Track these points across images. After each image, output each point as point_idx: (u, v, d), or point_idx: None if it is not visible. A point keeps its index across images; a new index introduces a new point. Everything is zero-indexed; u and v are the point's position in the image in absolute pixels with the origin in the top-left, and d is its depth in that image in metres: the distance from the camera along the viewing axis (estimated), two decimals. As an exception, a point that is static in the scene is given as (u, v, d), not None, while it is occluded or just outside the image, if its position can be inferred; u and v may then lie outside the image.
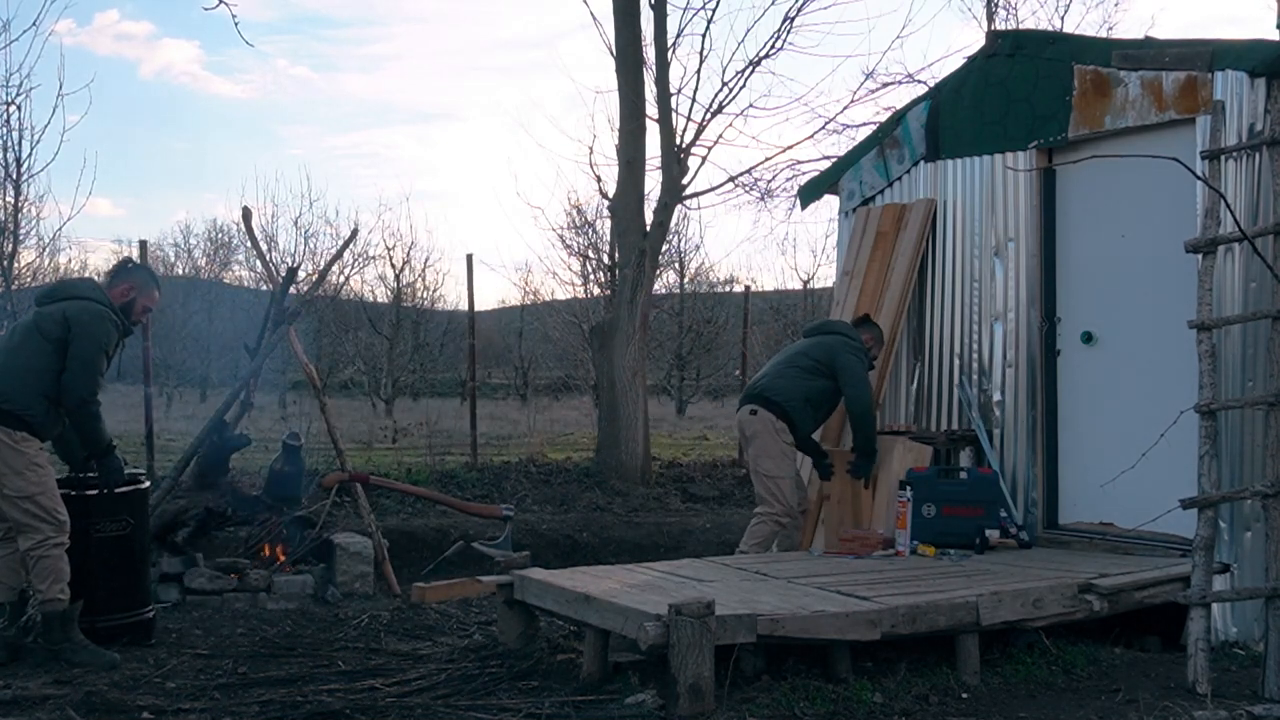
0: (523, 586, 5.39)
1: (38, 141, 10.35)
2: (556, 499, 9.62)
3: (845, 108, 11.94)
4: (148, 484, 5.91)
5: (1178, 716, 4.28)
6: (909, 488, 6.30)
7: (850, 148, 8.28)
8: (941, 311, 7.18)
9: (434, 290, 25.36)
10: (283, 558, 6.94)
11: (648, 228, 10.65)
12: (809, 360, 6.65)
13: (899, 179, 7.50)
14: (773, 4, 12.49)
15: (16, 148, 10.11)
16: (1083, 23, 14.57)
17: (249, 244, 15.17)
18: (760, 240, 39.09)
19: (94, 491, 5.51)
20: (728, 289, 23.47)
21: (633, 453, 10.45)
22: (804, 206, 8.40)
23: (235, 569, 6.69)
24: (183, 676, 5.03)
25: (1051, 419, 6.58)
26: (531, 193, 54.77)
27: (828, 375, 6.58)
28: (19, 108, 9.94)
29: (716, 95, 10.89)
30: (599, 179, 12.07)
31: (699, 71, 11.01)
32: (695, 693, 4.20)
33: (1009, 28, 12.91)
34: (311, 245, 22.19)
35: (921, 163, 7.32)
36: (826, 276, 17.91)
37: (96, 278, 5.68)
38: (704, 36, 10.87)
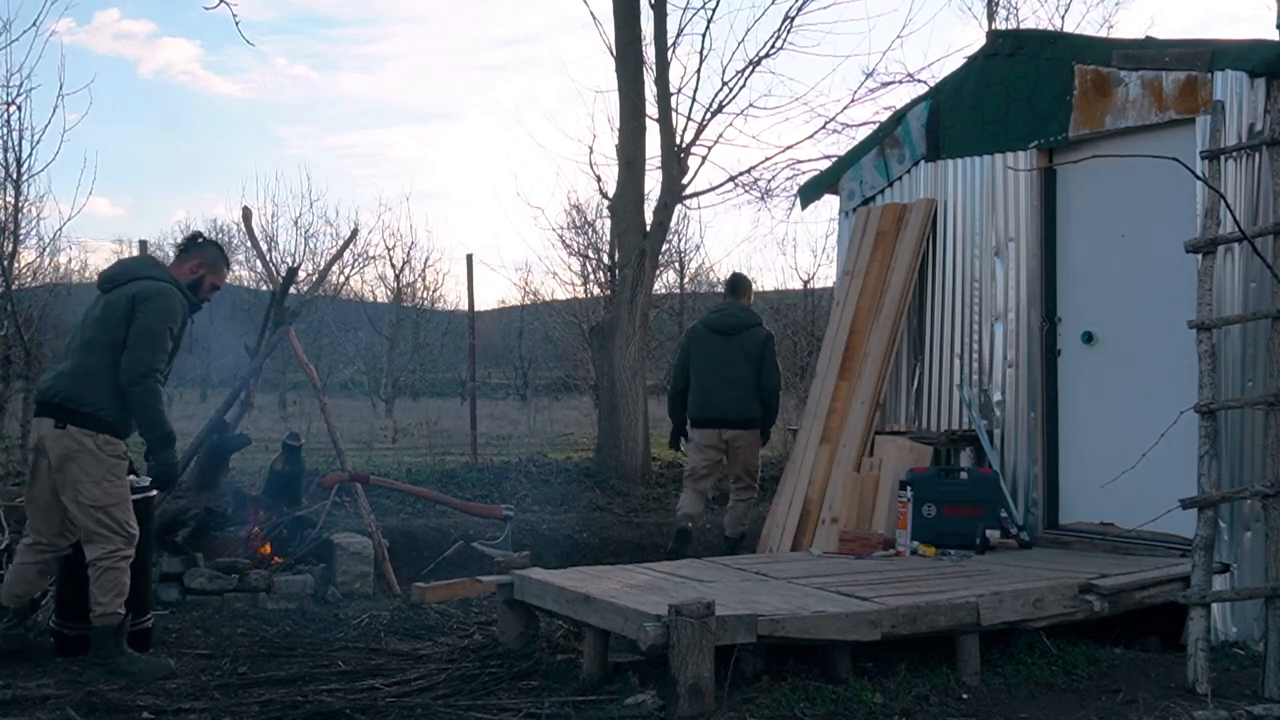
0: (523, 586, 5.39)
1: (38, 142, 10.37)
2: (556, 499, 9.61)
3: (845, 108, 11.98)
4: (156, 493, 5.89)
5: (1178, 716, 4.28)
6: (909, 488, 6.30)
7: (850, 147, 8.29)
8: (941, 311, 7.18)
9: (434, 290, 25.39)
10: (266, 551, 6.91)
11: (648, 228, 10.65)
12: (749, 366, 7.71)
13: (899, 179, 7.50)
14: (773, 4, 12.55)
15: (17, 148, 10.11)
16: (1083, 22, 14.60)
17: (249, 244, 15.17)
18: (760, 240, 39.01)
19: None
20: (728, 289, 23.42)
21: (633, 453, 10.44)
22: (804, 206, 8.41)
23: (235, 569, 6.69)
24: (183, 676, 5.03)
25: (1052, 419, 6.58)
26: (531, 193, 54.71)
27: (760, 366, 7.74)
28: (19, 108, 9.95)
29: (716, 95, 10.91)
30: (599, 179, 12.08)
31: (699, 71, 11.05)
32: (695, 693, 4.20)
33: (1009, 27, 12.91)
34: (311, 245, 22.20)
35: (922, 162, 7.33)
36: (826, 276, 17.90)
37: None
38: (704, 36, 10.90)
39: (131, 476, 5.86)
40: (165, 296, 5.05)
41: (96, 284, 5.30)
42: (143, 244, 11.18)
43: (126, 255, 5.42)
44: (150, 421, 5.03)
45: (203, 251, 5.43)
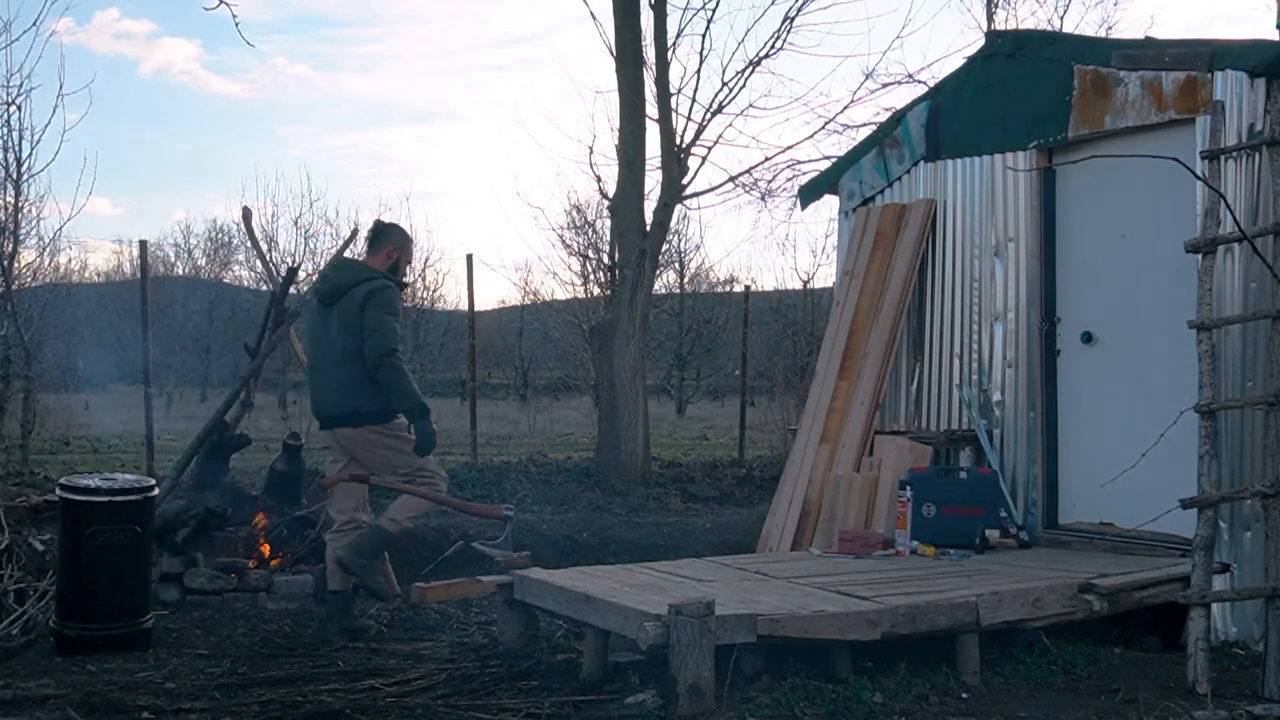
0: (523, 586, 5.39)
1: (38, 142, 10.39)
2: (556, 499, 9.60)
3: (845, 108, 11.92)
4: (156, 492, 5.89)
5: (1178, 716, 4.29)
6: (909, 488, 6.30)
7: (850, 148, 8.28)
8: (941, 311, 7.19)
9: (434, 290, 25.32)
10: (271, 554, 6.92)
11: (648, 228, 10.65)
12: None
13: (899, 179, 7.50)
14: (773, 4, 12.53)
15: (17, 148, 10.13)
16: (1082, 22, 14.61)
17: (249, 244, 15.18)
18: (760, 240, 39.00)
19: (102, 499, 5.49)
20: (728, 289, 23.48)
21: (633, 453, 10.43)
22: (804, 206, 8.41)
23: (235, 569, 6.69)
24: (182, 676, 5.03)
25: (1051, 419, 6.58)
26: (531, 193, 54.74)
27: None
28: (19, 108, 9.96)
29: (716, 95, 10.89)
30: (599, 179, 12.05)
31: (699, 71, 11.02)
32: (695, 693, 4.20)
33: (1009, 28, 12.91)
34: (312, 245, 22.19)
35: (921, 163, 7.33)
36: (826, 276, 17.89)
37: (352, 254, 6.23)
38: (704, 36, 10.88)
39: (129, 476, 5.89)
40: (385, 290, 5.79)
41: (318, 298, 5.99)
42: (143, 244, 11.16)
43: (374, 223, 6.26)
44: (401, 393, 5.75)
45: (390, 236, 6.06)
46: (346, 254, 8.07)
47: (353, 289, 5.76)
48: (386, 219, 6.23)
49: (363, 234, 6.71)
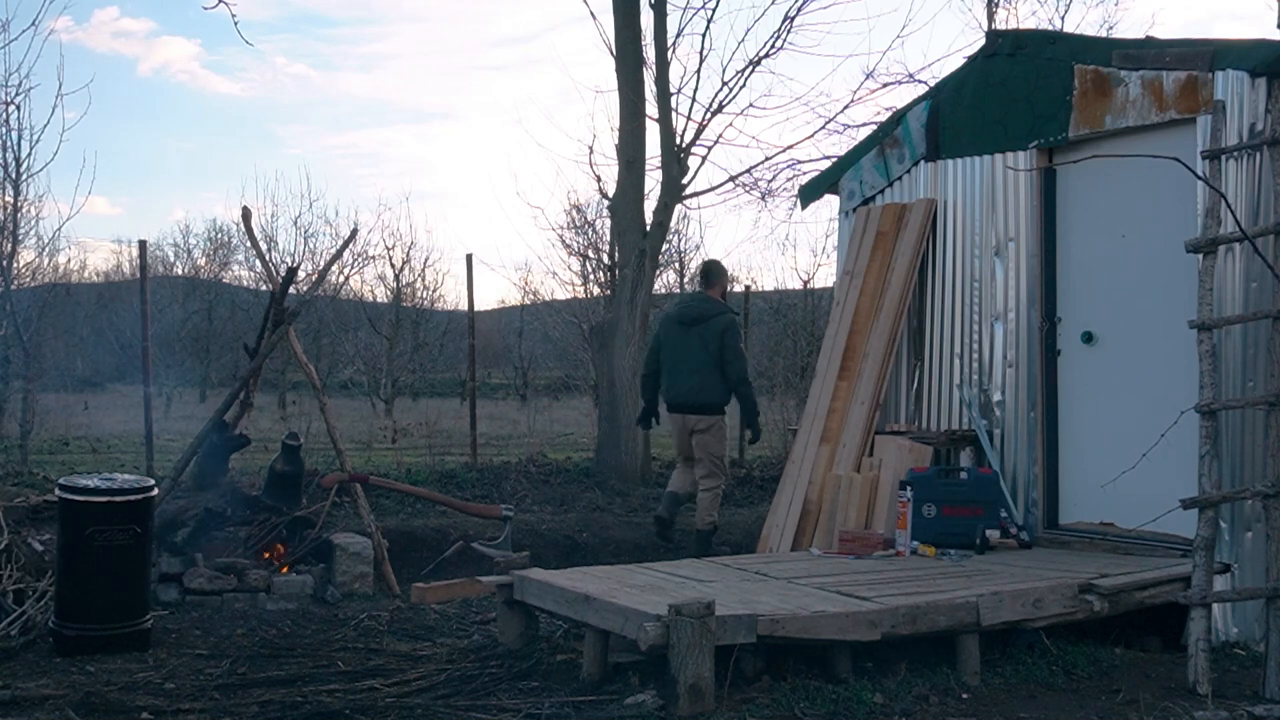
0: (523, 586, 5.38)
1: (37, 141, 10.41)
2: (556, 499, 9.60)
3: (845, 108, 11.93)
4: (155, 492, 5.88)
5: (1178, 717, 4.28)
6: (909, 488, 6.30)
7: (850, 148, 8.28)
8: (941, 311, 7.18)
9: (434, 290, 25.37)
10: (281, 556, 6.92)
11: (648, 228, 10.64)
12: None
13: (899, 179, 7.49)
14: (773, 4, 12.52)
15: (16, 147, 10.14)
16: (1083, 22, 14.59)
17: (248, 244, 15.14)
18: (760, 240, 38.97)
19: (102, 499, 5.49)
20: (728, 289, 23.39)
21: (633, 453, 10.44)
22: (804, 206, 8.41)
23: (235, 569, 6.68)
24: (182, 677, 5.02)
25: (1052, 419, 6.58)
26: (531, 192, 54.68)
27: None
28: (18, 107, 9.97)
29: (716, 95, 10.92)
30: (599, 179, 12.07)
31: (699, 71, 11.04)
32: (695, 693, 4.19)
33: (1009, 27, 12.90)
34: (311, 245, 22.22)
35: (922, 162, 7.32)
36: (826, 276, 17.87)
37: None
38: (704, 36, 10.91)
39: (128, 476, 5.89)
40: (736, 325, 7.96)
41: (680, 321, 7.92)
42: (142, 244, 11.14)
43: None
44: (751, 403, 8.01)
45: (721, 273, 8.17)
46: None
47: (713, 318, 7.79)
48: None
49: (363, 234, 6.75)
